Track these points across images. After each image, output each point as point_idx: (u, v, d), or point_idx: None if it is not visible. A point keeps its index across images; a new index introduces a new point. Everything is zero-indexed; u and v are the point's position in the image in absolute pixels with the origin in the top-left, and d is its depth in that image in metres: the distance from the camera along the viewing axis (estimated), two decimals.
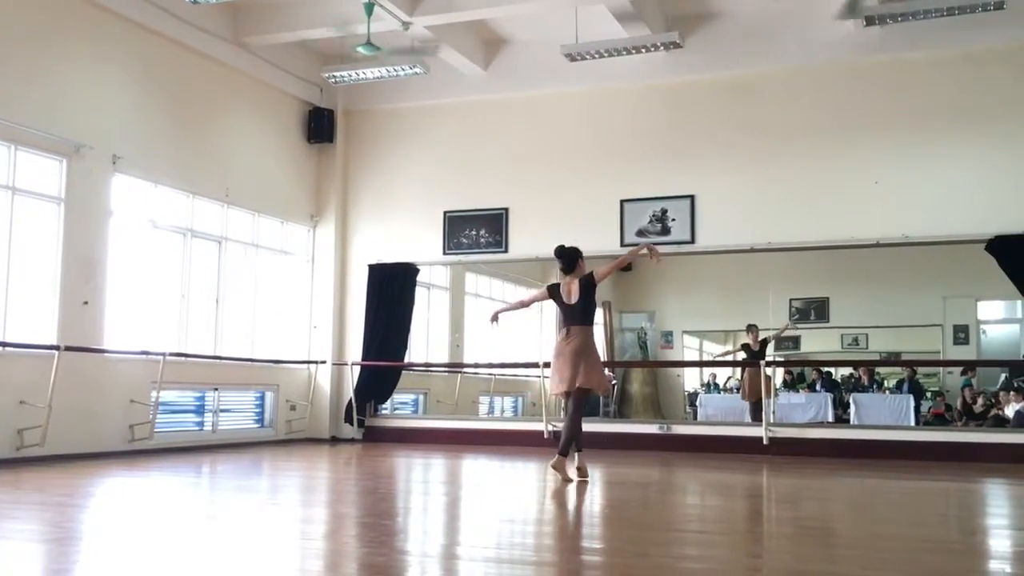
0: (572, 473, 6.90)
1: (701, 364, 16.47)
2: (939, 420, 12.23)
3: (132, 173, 9.24)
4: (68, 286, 8.49)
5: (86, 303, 8.64)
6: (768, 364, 11.01)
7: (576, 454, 6.99)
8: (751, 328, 12.08)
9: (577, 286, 6.88)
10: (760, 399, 10.39)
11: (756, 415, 11.24)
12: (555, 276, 14.63)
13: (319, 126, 11.73)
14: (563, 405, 7.40)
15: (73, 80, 8.70)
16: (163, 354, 9.15)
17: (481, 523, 5.34)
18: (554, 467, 6.82)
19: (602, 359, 7.25)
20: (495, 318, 7.45)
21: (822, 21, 9.91)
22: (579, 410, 6.92)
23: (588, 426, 10.52)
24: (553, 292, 7.03)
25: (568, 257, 7.02)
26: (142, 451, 8.93)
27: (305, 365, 11.58)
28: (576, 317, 6.89)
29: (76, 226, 8.60)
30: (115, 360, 8.92)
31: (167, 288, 9.84)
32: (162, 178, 9.65)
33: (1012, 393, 11.05)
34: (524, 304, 7.70)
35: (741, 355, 12.64)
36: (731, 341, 15.65)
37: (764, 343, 11.97)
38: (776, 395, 11.38)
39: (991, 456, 9.09)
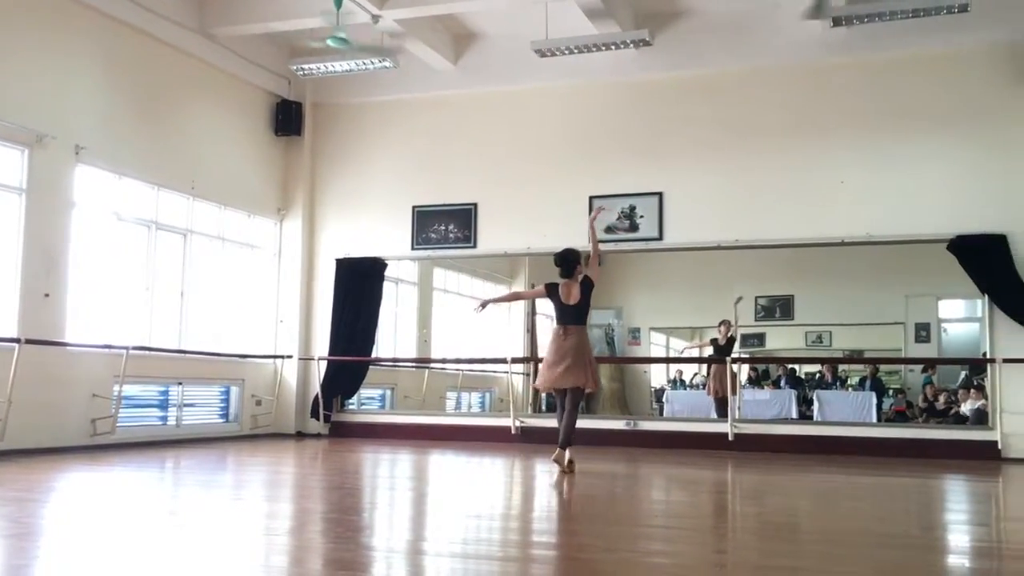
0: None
1: (668, 360, 16.57)
2: (900, 417, 12.41)
3: (96, 164, 9.11)
4: (29, 278, 8.35)
5: (47, 295, 8.50)
6: (734, 361, 11.10)
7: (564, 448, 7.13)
8: (723, 323, 12.17)
9: (578, 289, 7.13)
10: (726, 395, 10.48)
11: (722, 411, 11.33)
12: (522, 271, 14.67)
13: (287, 119, 11.63)
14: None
15: (36, 69, 8.54)
16: (126, 348, 9.04)
17: (447, 519, 5.33)
18: (556, 460, 7.02)
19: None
20: (484, 305, 7.67)
21: (790, 21, 9.98)
22: (577, 406, 7.22)
23: (557, 422, 10.55)
24: (551, 291, 7.22)
25: (569, 263, 7.20)
26: (104, 446, 8.81)
27: (271, 359, 11.49)
28: (574, 317, 7.15)
29: (38, 217, 8.45)
30: (77, 353, 8.80)
31: (131, 281, 9.72)
32: (126, 169, 9.52)
33: (972, 391, 11.22)
34: (519, 297, 7.84)
35: (709, 350, 12.73)
36: (698, 337, 15.77)
37: (731, 340, 12.07)
38: (742, 394, 11.47)
39: (950, 453, 9.24)
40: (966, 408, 11.07)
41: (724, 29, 10.30)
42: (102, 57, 9.25)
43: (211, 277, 10.80)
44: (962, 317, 14.69)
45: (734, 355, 11.72)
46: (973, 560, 4.26)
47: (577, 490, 6.53)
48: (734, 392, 10.26)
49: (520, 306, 14.87)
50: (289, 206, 11.81)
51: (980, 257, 9.42)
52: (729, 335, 12.08)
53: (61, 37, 8.83)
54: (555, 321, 7.28)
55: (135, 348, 9.21)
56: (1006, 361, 9.21)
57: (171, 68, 10.16)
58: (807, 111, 10.18)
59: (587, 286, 7.13)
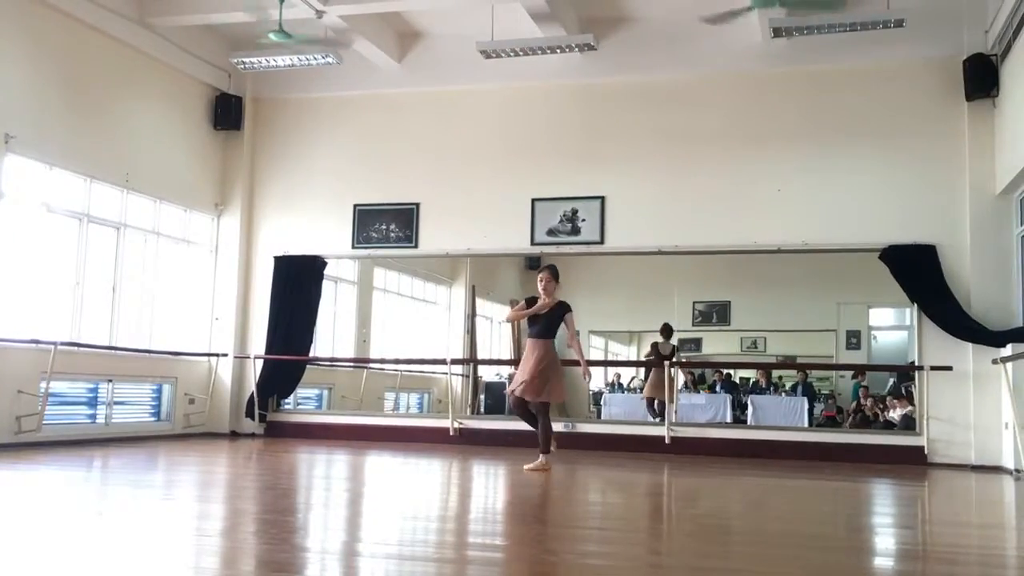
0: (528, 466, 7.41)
1: (607, 364, 16.67)
2: (831, 422, 12.67)
3: (25, 154, 8.85)
4: None
5: None
6: (671, 365, 11.21)
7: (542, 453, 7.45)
8: (664, 329, 12.30)
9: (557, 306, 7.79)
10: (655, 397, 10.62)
11: (654, 412, 11.47)
12: (463, 272, 14.64)
13: (226, 112, 11.45)
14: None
15: None
16: (54, 343, 8.79)
17: (384, 520, 5.29)
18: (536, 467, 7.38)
19: (514, 358, 7.70)
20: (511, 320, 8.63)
21: (733, 31, 10.13)
22: (545, 415, 7.58)
23: (495, 424, 10.55)
24: (532, 303, 7.75)
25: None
26: (29, 444, 8.56)
27: (205, 357, 11.28)
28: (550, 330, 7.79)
29: None
30: (2, 349, 8.53)
31: (61, 275, 9.46)
32: (58, 160, 9.26)
33: (898, 398, 11.50)
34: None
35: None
36: (635, 342, 15.91)
37: (672, 351, 12.17)
38: (678, 398, 11.59)
39: (878, 457, 9.48)
40: (894, 414, 11.35)
41: (668, 37, 10.43)
42: (34, 44, 8.99)
43: (145, 272, 10.58)
44: (892, 325, 15.06)
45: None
46: (899, 562, 4.37)
47: (515, 492, 6.53)
48: (671, 401, 10.40)
49: (460, 306, 14.86)
50: (227, 201, 11.62)
51: (910, 267, 9.69)
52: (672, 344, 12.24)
53: None
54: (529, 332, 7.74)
55: (64, 344, 8.96)
56: (933, 368, 9.47)
57: (107, 57, 9.92)
58: (747, 120, 10.36)
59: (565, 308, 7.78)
